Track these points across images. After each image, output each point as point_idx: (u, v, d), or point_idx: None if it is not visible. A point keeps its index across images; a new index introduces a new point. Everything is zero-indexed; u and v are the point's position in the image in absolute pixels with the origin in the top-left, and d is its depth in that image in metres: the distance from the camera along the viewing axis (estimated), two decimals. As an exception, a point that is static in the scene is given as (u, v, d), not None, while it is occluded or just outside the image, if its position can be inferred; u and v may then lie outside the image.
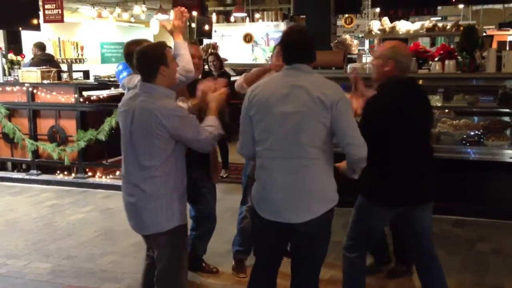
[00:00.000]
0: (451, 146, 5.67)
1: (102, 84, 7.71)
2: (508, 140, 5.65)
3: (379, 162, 3.17)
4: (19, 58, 8.14)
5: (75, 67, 9.60)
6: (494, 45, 9.50)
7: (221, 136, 3.26)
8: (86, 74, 9.35)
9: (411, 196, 3.30)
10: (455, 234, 5.22)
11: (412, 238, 3.48)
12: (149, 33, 12.68)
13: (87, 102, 7.46)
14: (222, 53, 10.84)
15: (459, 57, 5.73)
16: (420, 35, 8.67)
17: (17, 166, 8.12)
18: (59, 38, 12.79)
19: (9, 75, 7.90)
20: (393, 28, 8.56)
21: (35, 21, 8.53)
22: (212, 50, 11.32)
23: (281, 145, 2.81)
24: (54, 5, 8.86)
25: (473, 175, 5.51)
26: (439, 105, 6.05)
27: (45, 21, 9.03)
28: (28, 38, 9.34)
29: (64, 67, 8.51)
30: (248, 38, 13.53)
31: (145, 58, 3.04)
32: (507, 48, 9.36)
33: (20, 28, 8.61)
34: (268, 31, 13.94)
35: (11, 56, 8.07)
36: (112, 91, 7.60)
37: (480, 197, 5.57)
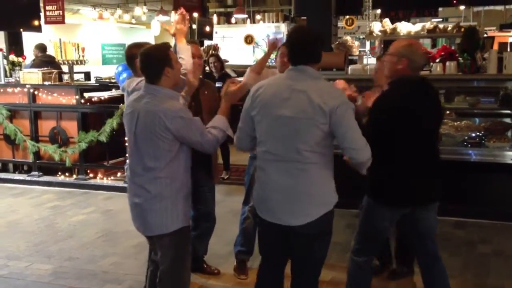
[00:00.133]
0: (452, 148, 5.66)
1: (103, 85, 7.71)
2: (510, 141, 5.64)
3: (386, 162, 3.15)
4: (20, 59, 8.14)
5: (76, 68, 9.59)
6: (495, 47, 9.51)
7: (228, 137, 3.22)
8: (87, 75, 9.35)
9: (417, 196, 3.27)
10: (456, 236, 5.22)
11: (416, 238, 3.46)
12: (150, 35, 12.69)
13: (88, 104, 7.46)
14: (223, 55, 10.87)
15: (460, 59, 5.73)
16: (421, 36, 8.66)
17: (18, 167, 8.12)
18: (60, 40, 12.81)
19: (10, 76, 7.90)
20: (394, 29, 8.56)
21: (36, 23, 8.53)
22: (213, 52, 11.33)
23: (279, 148, 2.82)
24: (55, 6, 8.86)
25: (474, 176, 5.51)
26: (440, 106, 6.03)
27: (46, 22, 9.03)
28: (29, 40, 9.35)
29: (65, 68, 8.50)
30: (249, 40, 13.52)
31: (149, 60, 3.04)
32: (508, 50, 9.36)
33: (21, 30, 8.60)
34: (269, 32, 13.94)
35: (12, 57, 8.07)
36: (113, 93, 7.60)
37: (481, 198, 5.56)
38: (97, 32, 14.41)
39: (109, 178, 7.45)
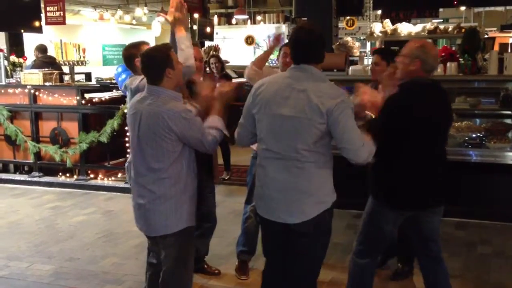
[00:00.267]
0: (453, 148, 5.64)
1: (104, 86, 7.72)
2: (510, 142, 5.64)
3: (392, 164, 3.14)
4: (21, 60, 8.16)
5: (77, 69, 9.58)
6: (496, 47, 9.53)
7: (224, 138, 3.24)
8: (88, 76, 9.36)
9: (425, 200, 3.25)
10: (457, 236, 5.22)
11: (419, 240, 3.43)
12: (150, 35, 12.69)
13: (89, 104, 7.47)
14: (223, 55, 10.87)
15: (461, 60, 5.73)
16: (422, 37, 8.66)
17: (19, 168, 8.13)
18: (61, 40, 12.82)
19: (11, 77, 7.91)
20: (395, 30, 8.57)
21: (37, 24, 8.54)
22: (214, 52, 11.32)
23: (278, 146, 2.83)
24: (56, 7, 8.87)
25: (475, 177, 5.50)
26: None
27: (47, 23, 9.04)
28: (30, 40, 9.36)
29: (66, 69, 8.51)
30: (249, 40, 13.52)
31: (150, 61, 3.04)
32: (509, 50, 9.36)
33: (22, 31, 8.62)
34: (270, 33, 13.94)
35: (13, 58, 8.09)
36: (114, 93, 7.60)
37: (482, 199, 5.56)
38: (97, 33, 14.43)
39: (109, 179, 7.45)
